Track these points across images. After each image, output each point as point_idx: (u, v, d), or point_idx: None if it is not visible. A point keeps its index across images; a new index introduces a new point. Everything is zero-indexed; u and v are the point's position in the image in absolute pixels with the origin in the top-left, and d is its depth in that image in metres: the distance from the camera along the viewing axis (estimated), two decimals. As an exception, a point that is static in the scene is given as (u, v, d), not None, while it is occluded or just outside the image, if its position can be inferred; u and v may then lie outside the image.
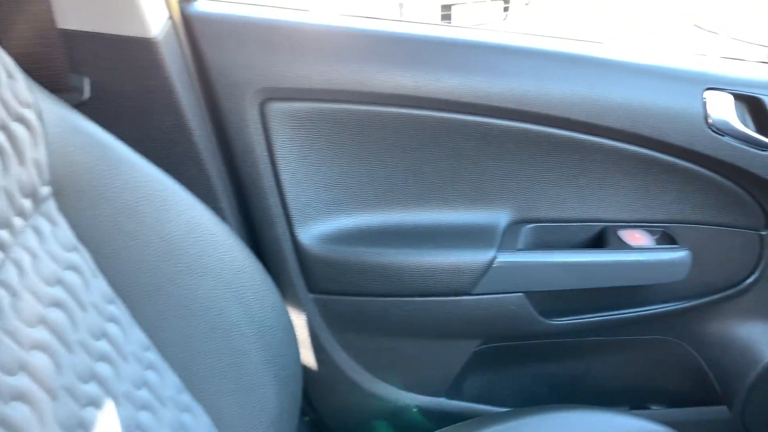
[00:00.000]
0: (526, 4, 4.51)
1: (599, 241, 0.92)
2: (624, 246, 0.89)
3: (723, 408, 1.03)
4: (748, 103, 0.87)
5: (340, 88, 0.80)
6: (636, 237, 0.91)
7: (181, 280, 0.58)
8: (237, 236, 0.66)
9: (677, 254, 0.89)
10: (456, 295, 0.86)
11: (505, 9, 3.80)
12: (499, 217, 0.90)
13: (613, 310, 0.97)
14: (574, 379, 1.06)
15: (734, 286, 0.99)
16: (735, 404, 1.02)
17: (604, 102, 0.83)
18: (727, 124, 0.85)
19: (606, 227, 0.93)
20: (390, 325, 0.88)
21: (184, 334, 0.58)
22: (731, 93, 0.86)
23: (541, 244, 0.92)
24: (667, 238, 0.93)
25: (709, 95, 0.85)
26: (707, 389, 1.05)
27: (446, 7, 3.54)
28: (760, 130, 0.87)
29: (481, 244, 0.86)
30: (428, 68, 0.81)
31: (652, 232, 0.93)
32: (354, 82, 0.80)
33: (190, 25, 0.76)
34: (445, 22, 3.52)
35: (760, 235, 0.95)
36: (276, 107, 0.80)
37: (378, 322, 0.88)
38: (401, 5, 3.45)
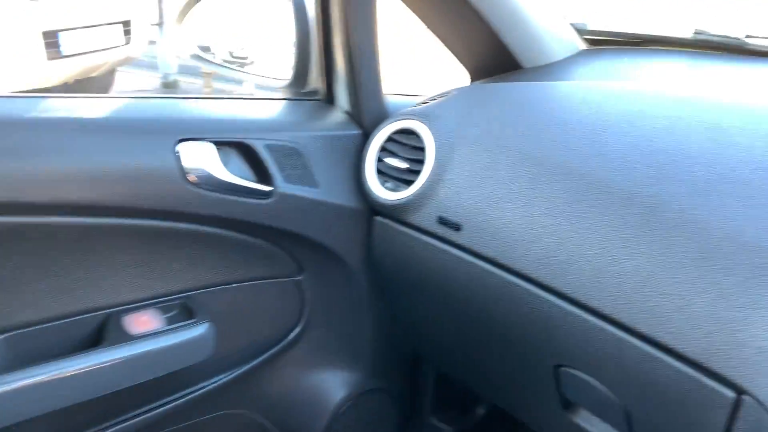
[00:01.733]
0: (156, 24, 4.26)
1: (102, 333, 0.75)
2: (127, 337, 0.73)
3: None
4: (240, 149, 0.78)
5: None
6: (142, 321, 0.76)
7: None
8: None
9: (194, 331, 0.77)
10: None
11: (127, 32, 3.49)
12: None
13: (151, 403, 0.82)
14: None
15: (284, 337, 0.92)
16: None
17: (60, 174, 0.66)
18: (211, 178, 0.74)
19: (110, 315, 0.76)
20: None
21: None
22: (212, 141, 0.75)
23: (23, 357, 0.71)
24: (187, 312, 0.80)
25: (183, 147, 0.73)
26: None
27: (50, 34, 3.09)
28: (259, 178, 0.78)
29: None
30: None
31: (168, 308, 0.79)
32: None
33: None
34: (52, 51, 3.07)
35: (296, 281, 0.89)
36: None
37: None
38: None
